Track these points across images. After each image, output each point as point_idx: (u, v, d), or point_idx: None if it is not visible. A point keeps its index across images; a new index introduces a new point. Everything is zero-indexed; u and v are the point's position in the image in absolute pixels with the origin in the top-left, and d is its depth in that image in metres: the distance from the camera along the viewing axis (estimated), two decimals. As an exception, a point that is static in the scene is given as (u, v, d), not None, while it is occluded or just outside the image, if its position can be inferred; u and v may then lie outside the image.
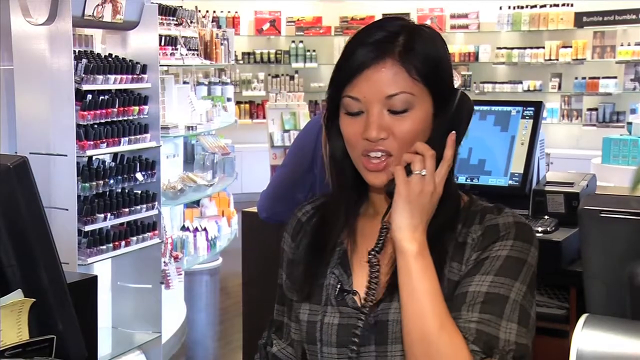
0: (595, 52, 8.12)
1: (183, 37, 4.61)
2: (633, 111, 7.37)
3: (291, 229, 1.27)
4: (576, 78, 8.18)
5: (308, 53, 9.18)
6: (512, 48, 8.43)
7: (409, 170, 1.09)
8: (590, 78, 8.10)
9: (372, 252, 1.12)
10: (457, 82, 8.68)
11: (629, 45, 7.96)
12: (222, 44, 5.34)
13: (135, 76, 3.46)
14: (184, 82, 5.16)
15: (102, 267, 3.50)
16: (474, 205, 1.18)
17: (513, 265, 1.10)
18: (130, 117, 3.45)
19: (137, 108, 3.47)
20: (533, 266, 1.12)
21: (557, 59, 8.21)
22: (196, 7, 5.24)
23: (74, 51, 3.17)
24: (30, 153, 3.08)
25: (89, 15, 3.18)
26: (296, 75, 9.18)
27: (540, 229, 2.32)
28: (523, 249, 1.12)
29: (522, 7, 8.37)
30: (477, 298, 1.08)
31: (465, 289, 1.10)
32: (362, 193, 1.21)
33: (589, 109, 8.18)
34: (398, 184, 1.08)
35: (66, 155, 3.13)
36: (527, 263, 1.11)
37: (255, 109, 9.17)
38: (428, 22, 8.19)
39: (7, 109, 3.32)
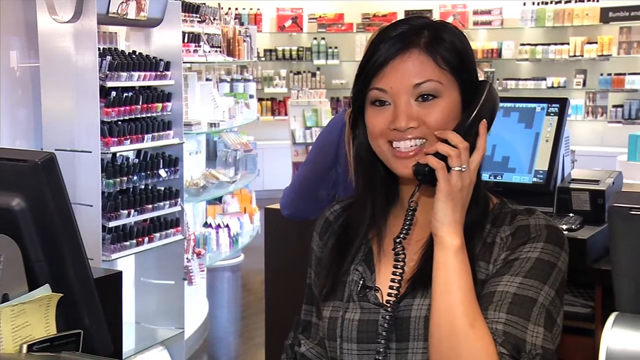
0: (621, 47, 8.01)
1: (206, 34, 4.63)
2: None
3: (319, 227, 1.27)
4: (601, 74, 8.08)
5: (330, 50, 9.16)
6: (536, 44, 8.35)
7: (445, 162, 1.07)
8: (616, 74, 8.00)
9: (398, 239, 1.10)
10: (479, 79, 8.63)
11: (655, 41, 7.85)
12: (244, 41, 5.36)
13: (158, 73, 3.48)
14: (207, 79, 5.17)
15: (125, 263, 3.53)
16: (505, 207, 1.17)
17: (543, 268, 1.09)
18: (154, 114, 3.48)
19: (160, 105, 3.49)
20: (563, 271, 1.11)
21: (582, 55, 8.11)
22: (219, 4, 5.25)
23: (99, 48, 3.19)
24: (56, 149, 3.12)
25: (114, 13, 3.20)
26: (318, 72, 9.18)
27: (564, 226, 2.30)
28: (554, 252, 1.11)
29: (546, 3, 8.28)
30: (505, 298, 1.06)
31: (494, 289, 1.08)
32: (391, 193, 1.19)
33: (614, 106, 8.08)
34: (440, 181, 1.06)
35: (90, 152, 3.16)
36: (557, 267, 1.10)
37: (277, 105, 9.18)
38: (451, 19, 8.10)
39: (33, 106, 3.36)
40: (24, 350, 0.95)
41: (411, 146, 1.11)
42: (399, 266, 1.09)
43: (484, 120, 1.12)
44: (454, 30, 1.15)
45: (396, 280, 1.09)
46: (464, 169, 1.07)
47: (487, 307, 1.07)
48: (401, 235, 1.09)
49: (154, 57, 3.50)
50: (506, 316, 1.05)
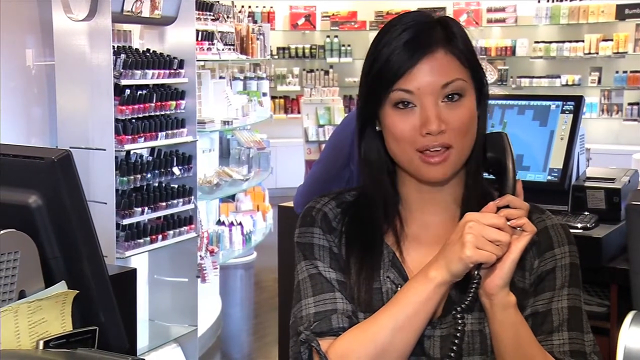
0: (637, 45, 7.94)
1: (219, 32, 4.64)
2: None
3: (323, 224, 1.18)
4: (617, 72, 8.01)
5: (343, 48, 9.16)
6: (550, 42, 8.30)
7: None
8: (631, 72, 7.93)
9: (460, 308, 1.07)
10: (493, 77, 8.57)
11: (671, 38, 7.77)
12: (257, 39, 5.36)
13: (172, 71, 3.49)
14: (220, 77, 5.18)
15: (139, 260, 3.54)
16: None
17: (576, 272, 1.14)
18: (168, 112, 3.49)
19: (174, 103, 3.50)
20: (580, 267, 1.16)
21: (597, 53, 8.05)
22: (232, 2, 5.26)
23: (113, 46, 3.21)
24: (70, 147, 3.13)
25: (128, 11, 3.22)
26: (331, 70, 9.17)
27: (579, 225, 2.29)
28: (576, 252, 1.15)
29: (561, 0, 8.22)
30: (562, 316, 1.11)
31: (549, 307, 1.12)
32: (396, 194, 1.18)
33: (629, 104, 8.01)
34: (514, 248, 1.05)
35: (105, 150, 3.17)
36: (579, 268, 1.15)
37: (289, 103, 9.19)
38: (464, 17, 7.98)
39: (48, 104, 3.38)
40: (41, 346, 0.96)
41: (441, 150, 1.09)
42: (458, 335, 1.07)
43: (520, 180, 1.14)
44: (457, 22, 1.15)
45: (455, 349, 1.07)
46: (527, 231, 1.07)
47: (550, 330, 1.11)
48: (463, 306, 1.06)
49: (167, 55, 3.51)
50: (568, 334, 1.10)
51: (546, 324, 1.11)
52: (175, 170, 3.51)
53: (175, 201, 3.51)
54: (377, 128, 1.15)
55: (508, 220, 1.05)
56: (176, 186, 3.55)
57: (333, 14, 9.27)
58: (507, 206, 1.07)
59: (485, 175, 1.18)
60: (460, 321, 1.06)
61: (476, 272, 1.05)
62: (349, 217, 1.19)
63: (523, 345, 1.07)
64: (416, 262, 1.13)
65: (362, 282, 1.14)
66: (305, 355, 1.10)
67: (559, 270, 1.13)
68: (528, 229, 1.05)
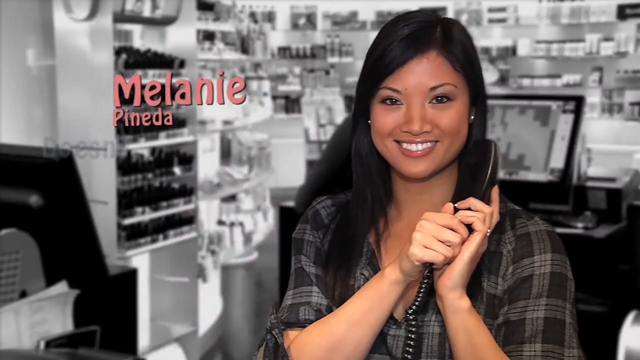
0: (638, 44, 7.94)
1: (220, 32, 4.64)
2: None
3: (312, 221, 1.21)
4: (618, 72, 8.01)
5: (344, 48, 9.16)
6: (552, 42, 8.30)
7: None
8: (633, 71, 7.93)
9: (411, 310, 1.05)
10: (494, 77, 8.57)
11: (673, 38, 7.77)
12: (258, 39, 5.37)
13: (173, 71, 3.49)
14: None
15: (140, 260, 3.55)
16: (500, 207, 1.13)
17: (560, 282, 1.08)
18: (169, 112, 3.49)
19: (175, 102, 3.50)
20: (572, 280, 1.10)
21: (598, 53, 8.05)
22: (233, 2, 5.26)
23: (114, 46, 3.21)
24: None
25: (129, 11, 3.22)
26: (332, 70, 9.17)
27: (580, 225, 2.29)
28: (562, 262, 1.09)
29: (562, 0, 8.22)
30: (536, 327, 1.05)
31: (522, 316, 1.07)
32: (387, 192, 1.17)
33: (631, 104, 8.01)
34: (472, 244, 1.02)
35: (106, 149, 3.18)
36: (568, 279, 1.09)
37: (290, 103, 9.19)
38: (465, 16, 7.96)
39: (49, 104, 3.39)
40: (42, 346, 0.96)
41: (422, 147, 1.08)
42: (412, 337, 1.05)
43: (496, 186, 1.10)
44: (461, 26, 1.13)
45: (410, 350, 1.05)
46: (488, 234, 1.04)
47: (521, 341, 1.05)
48: (413, 307, 1.05)
49: (168, 55, 3.52)
50: (542, 346, 1.04)
51: (517, 333, 1.06)
52: (176, 170, 3.51)
53: (176, 201, 3.52)
54: (369, 121, 1.15)
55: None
56: (177, 186, 3.55)
57: (334, 14, 9.27)
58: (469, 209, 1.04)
59: None
60: (413, 322, 1.05)
61: (427, 272, 1.03)
62: (340, 215, 1.20)
63: (478, 352, 1.02)
64: (391, 259, 1.12)
65: (338, 278, 1.15)
66: (272, 342, 1.13)
67: (536, 278, 1.07)
68: (478, 228, 1.02)
